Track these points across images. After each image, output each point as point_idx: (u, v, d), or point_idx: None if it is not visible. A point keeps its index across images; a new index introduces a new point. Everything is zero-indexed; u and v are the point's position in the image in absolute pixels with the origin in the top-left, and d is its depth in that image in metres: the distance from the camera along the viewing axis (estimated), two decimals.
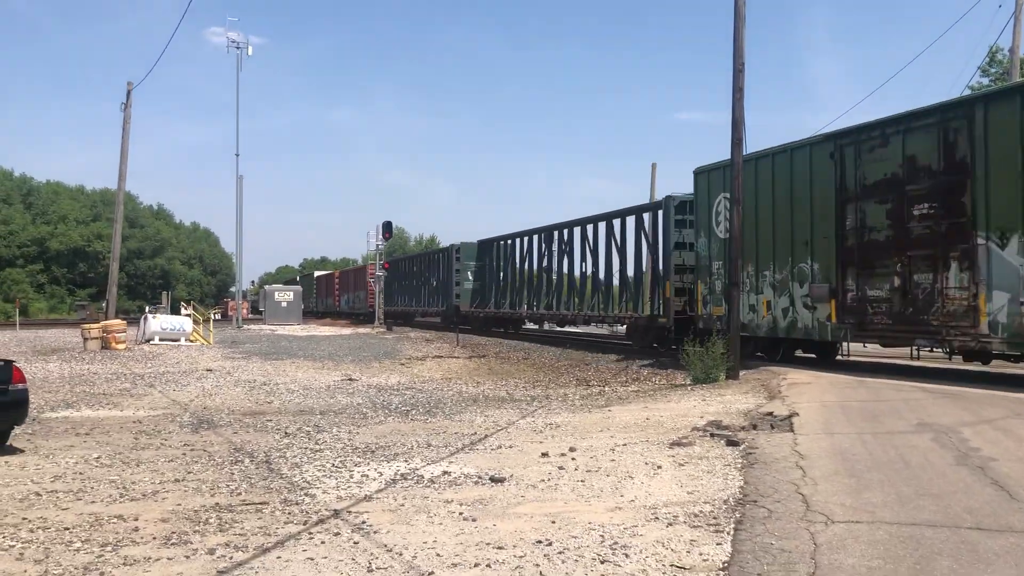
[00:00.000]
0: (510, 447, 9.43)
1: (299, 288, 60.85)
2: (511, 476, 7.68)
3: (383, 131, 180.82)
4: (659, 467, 7.83)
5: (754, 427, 9.93)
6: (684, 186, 22.46)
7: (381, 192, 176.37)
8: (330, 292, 66.47)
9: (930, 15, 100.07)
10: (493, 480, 7.56)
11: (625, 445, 9.15)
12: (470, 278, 37.88)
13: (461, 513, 6.35)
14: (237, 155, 48.60)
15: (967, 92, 39.12)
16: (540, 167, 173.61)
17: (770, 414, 10.71)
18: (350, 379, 19.20)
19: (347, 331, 45.22)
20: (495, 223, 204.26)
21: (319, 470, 8.41)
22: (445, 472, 8.00)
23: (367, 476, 7.97)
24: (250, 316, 61.51)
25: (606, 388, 16.74)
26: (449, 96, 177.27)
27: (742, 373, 15.32)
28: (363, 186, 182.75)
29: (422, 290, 45.13)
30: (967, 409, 10.14)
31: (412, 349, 30.72)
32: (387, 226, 44.19)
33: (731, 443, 8.89)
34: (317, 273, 78.68)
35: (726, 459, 8.07)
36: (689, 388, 14.55)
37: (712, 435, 9.49)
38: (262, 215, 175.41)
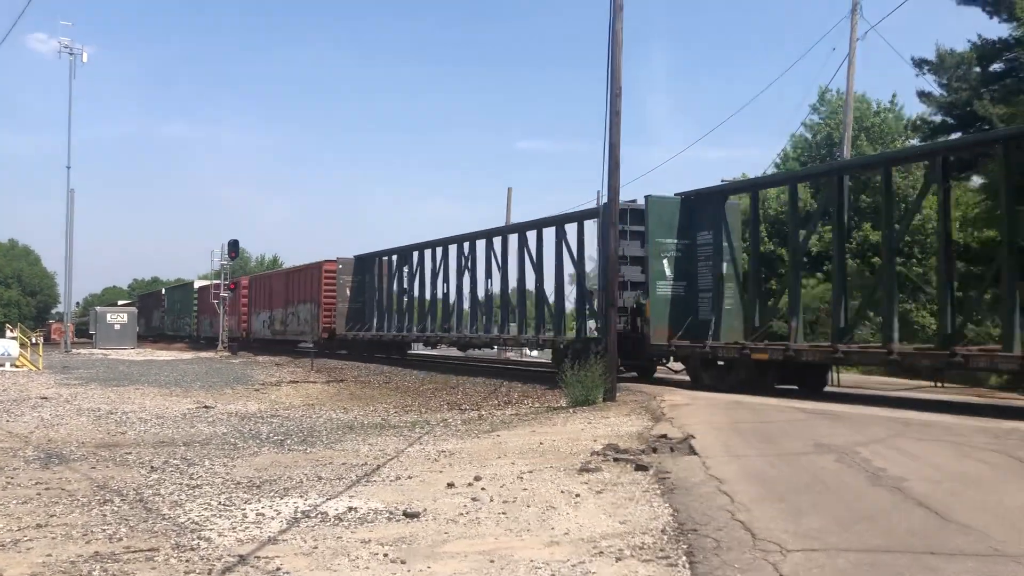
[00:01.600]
0: (410, 478, 8.90)
1: (134, 310, 57.30)
2: (424, 510, 7.17)
3: (221, 147, 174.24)
4: (577, 495, 7.52)
5: (654, 450, 9.82)
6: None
7: (218, 210, 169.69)
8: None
9: (767, 56, 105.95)
10: (407, 515, 7.03)
11: (531, 472, 8.81)
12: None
13: (386, 555, 5.81)
14: (68, 167, 45.39)
15: (801, 129, 41.61)
16: (385, 187, 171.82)
17: (664, 436, 10.65)
18: (205, 407, 17.97)
19: (188, 355, 42.89)
20: (338, 243, 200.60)
21: (205, 508, 7.61)
22: (350, 508, 7.39)
23: (263, 515, 7.25)
24: (76, 340, 57.26)
25: (481, 412, 16.37)
26: (290, 113, 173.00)
27: (617, 395, 15.33)
28: (198, 204, 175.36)
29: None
30: (852, 429, 10.41)
31: (264, 374, 29.36)
32: (233, 244, 42.23)
33: (640, 468, 8.71)
34: (164, 290, 74.35)
35: (641, 485, 7.87)
36: (571, 411, 14.40)
37: (615, 459, 9.29)
38: (84, 232, 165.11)
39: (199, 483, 8.97)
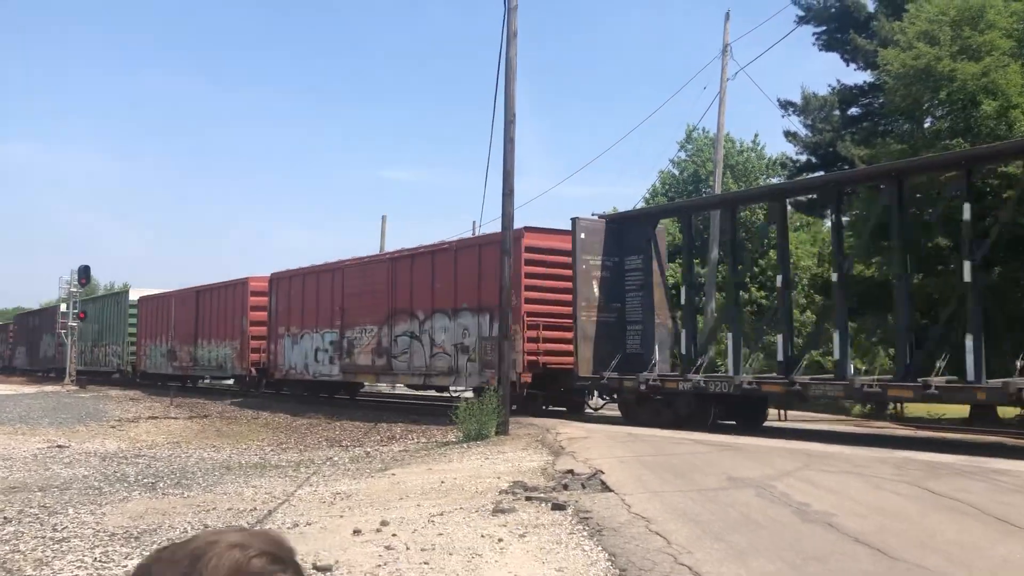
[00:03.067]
0: (308, 524, 8.17)
1: None
2: (337, 562, 6.51)
3: (69, 172, 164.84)
4: (500, 540, 7.01)
5: (565, 487, 9.43)
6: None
7: (64, 236, 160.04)
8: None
9: (637, 96, 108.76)
10: (318, 569, 6.35)
11: (441, 515, 8.23)
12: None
13: None
14: None
15: (669, 166, 42.78)
16: (247, 216, 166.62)
17: (571, 472, 10.29)
18: (59, 446, 16.40)
19: (30, 389, 39.69)
20: (196, 273, 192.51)
21: (78, 567, 6.70)
22: None
23: None
24: None
25: (367, 449, 15.59)
26: (146, 140, 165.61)
27: (510, 428, 14.91)
28: (40, 229, 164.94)
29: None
30: (758, 462, 10.34)
31: (119, 409, 27.37)
32: (84, 271, 39.50)
33: (557, 507, 8.28)
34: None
35: (564, 526, 7.44)
36: (464, 446, 13.86)
37: (528, 498, 8.84)
38: None
39: (66, 536, 7.96)
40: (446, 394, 22.53)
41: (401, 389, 28.36)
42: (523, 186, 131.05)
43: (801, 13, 29.07)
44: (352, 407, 23.70)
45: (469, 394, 19.35)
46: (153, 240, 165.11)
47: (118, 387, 38.11)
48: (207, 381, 35.01)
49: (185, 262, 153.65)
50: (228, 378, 32.16)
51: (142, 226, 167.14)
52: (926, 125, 23.95)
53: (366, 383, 26.63)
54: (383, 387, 29.50)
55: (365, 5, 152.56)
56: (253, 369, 28.21)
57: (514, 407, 16.15)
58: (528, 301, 17.67)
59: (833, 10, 28.26)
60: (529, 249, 17.82)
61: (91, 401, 30.92)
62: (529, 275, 17.76)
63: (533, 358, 17.58)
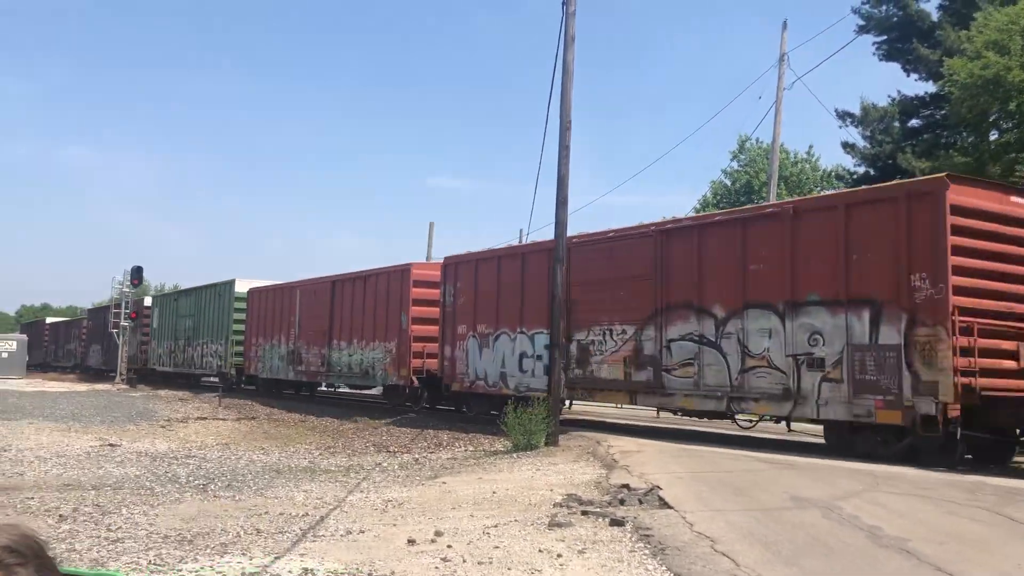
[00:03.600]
0: (362, 532, 8.02)
1: (23, 337, 53.90)
2: (393, 573, 6.35)
3: (119, 173, 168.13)
4: (559, 556, 6.80)
5: (621, 502, 9.18)
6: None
7: (114, 237, 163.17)
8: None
9: (687, 106, 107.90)
10: None
11: (496, 527, 8.04)
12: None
13: None
14: None
15: (721, 176, 42.25)
16: (290, 218, 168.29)
17: (627, 487, 10.03)
18: (111, 445, 16.53)
19: (82, 387, 40.34)
20: (244, 273, 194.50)
21: (133, 568, 6.61)
22: (305, 570, 6.50)
23: None
24: None
25: (416, 456, 15.47)
26: (191, 140, 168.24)
27: (560, 439, 14.68)
28: (95, 231, 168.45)
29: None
30: (819, 480, 10.00)
31: (168, 409, 27.65)
32: (137, 271, 40.06)
33: (615, 523, 8.05)
34: (50, 320, 70.30)
35: (624, 543, 7.21)
36: (514, 456, 13.66)
37: (584, 513, 8.62)
38: None
39: (120, 536, 7.90)
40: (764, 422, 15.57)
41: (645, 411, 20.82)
42: (572, 196, 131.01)
43: (862, 22, 28.55)
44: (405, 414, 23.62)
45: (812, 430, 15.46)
46: (200, 242, 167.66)
47: (170, 387, 38.45)
48: (338, 388, 31.40)
49: (230, 264, 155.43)
50: (373, 387, 28.07)
51: (189, 228, 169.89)
52: (992, 137, 23.30)
53: (614, 404, 20.63)
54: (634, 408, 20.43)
55: (410, 11, 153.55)
56: (414, 378, 23.39)
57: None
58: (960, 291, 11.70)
59: (895, 19, 27.69)
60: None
61: (141, 400, 31.30)
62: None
63: (968, 380, 11.48)
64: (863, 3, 28.54)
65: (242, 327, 32.74)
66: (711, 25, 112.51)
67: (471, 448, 16.21)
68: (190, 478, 12.21)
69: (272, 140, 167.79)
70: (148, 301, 43.43)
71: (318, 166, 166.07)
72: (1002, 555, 6.43)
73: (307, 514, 9.12)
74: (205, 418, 24.63)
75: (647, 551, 6.85)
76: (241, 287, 33.42)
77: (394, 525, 8.33)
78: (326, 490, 11.01)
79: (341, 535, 7.91)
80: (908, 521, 7.66)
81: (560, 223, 14.75)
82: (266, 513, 9.20)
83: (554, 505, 9.17)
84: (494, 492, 10.19)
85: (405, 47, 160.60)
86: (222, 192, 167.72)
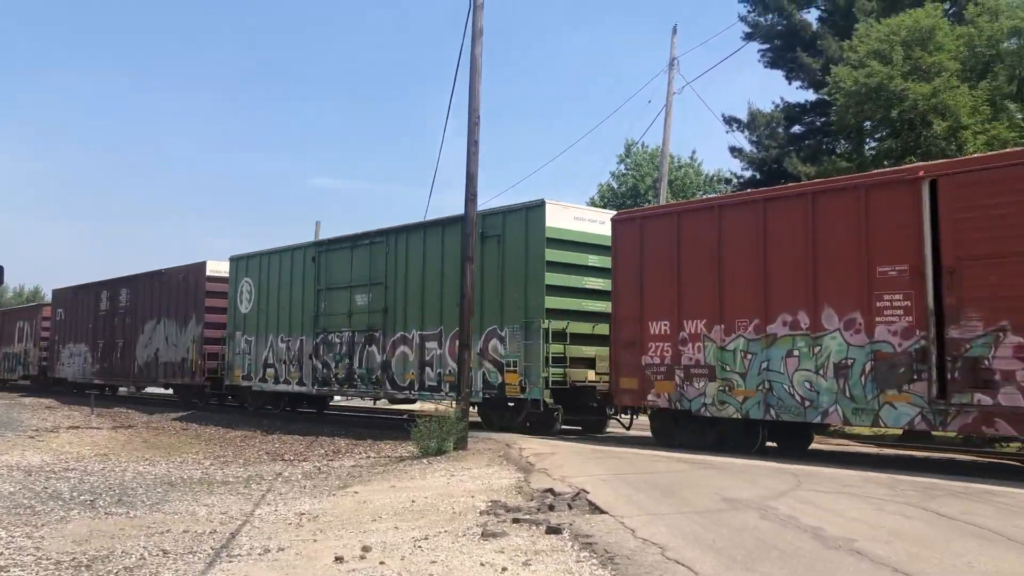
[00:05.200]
0: (281, 550, 7.41)
1: None
2: None
3: None
4: (503, 570, 6.40)
5: (551, 508, 8.85)
6: None
7: None
8: None
9: (580, 108, 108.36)
10: None
11: (426, 539, 7.58)
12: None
13: None
14: None
15: (609, 179, 42.73)
16: (171, 219, 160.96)
17: (550, 491, 9.70)
18: None
19: None
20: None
21: None
22: None
23: None
24: None
25: (317, 464, 14.75)
26: (69, 138, 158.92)
27: (469, 443, 14.26)
28: None
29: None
30: (744, 479, 9.94)
31: (35, 418, 25.78)
32: None
33: (552, 530, 7.69)
34: None
35: (568, 552, 6.86)
36: (424, 462, 13.15)
37: (516, 520, 8.24)
38: None
39: (2, 564, 7.04)
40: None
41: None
42: (455, 198, 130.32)
43: (748, 30, 29.27)
44: (285, 419, 22.69)
45: None
46: (71, 243, 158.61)
47: (34, 394, 35.95)
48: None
49: (107, 263, 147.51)
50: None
51: (58, 229, 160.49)
52: (873, 144, 24.25)
53: None
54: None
55: (286, 8, 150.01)
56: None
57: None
58: None
59: (779, 28, 28.48)
60: None
61: (2, 409, 29.11)
62: None
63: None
64: (749, 12, 29.28)
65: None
66: (600, 31, 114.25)
67: (374, 454, 15.62)
68: (74, 494, 11.20)
69: (150, 138, 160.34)
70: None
71: (199, 166, 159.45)
72: (952, 553, 6.40)
73: (215, 531, 8.42)
74: (78, 427, 23.06)
75: (595, 561, 6.53)
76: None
77: (314, 540, 7.75)
78: (229, 503, 10.27)
79: (259, 554, 7.28)
80: (846, 520, 7.61)
81: (469, 220, 14.34)
82: (168, 531, 8.45)
83: (480, 513, 8.76)
84: (413, 501, 9.70)
85: (284, 45, 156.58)
86: (95, 192, 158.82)
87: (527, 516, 8.44)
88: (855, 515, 7.84)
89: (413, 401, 20.72)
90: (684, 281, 13.57)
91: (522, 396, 15.67)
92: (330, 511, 9.39)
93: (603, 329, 15.72)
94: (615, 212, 16.42)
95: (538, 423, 15.91)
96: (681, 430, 13.76)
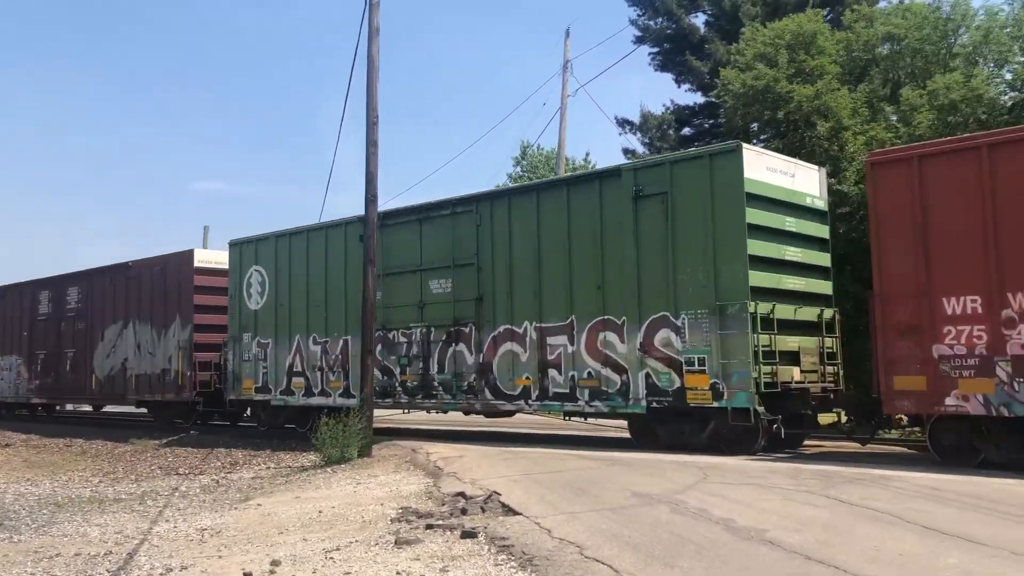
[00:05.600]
0: (184, 568, 7.07)
1: None
2: None
3: None
4: None
5: (463, 512, 8.73)
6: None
7: None
8: None
9: (478, 110, 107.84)
10: None
11: (337, 550, 7.36)
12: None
13: None
14: None
15: (506, 181, 42.79)
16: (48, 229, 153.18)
17: (462, 495, 9.61)
18: None
19: None
20: None
21: None
22: None
23: None
24: None
25: (215, 477, 14.22)
26: None
27: (373, 450, 14.01)
28: None
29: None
30: (652, 475, 10.05)
31: None
32: None
33: (467, 534, 7.58)
34: None
35: (485, 556, 6.77)
36: (328, 471, 12.83)
37: (429, 526, 8.09)
38: None
39: None
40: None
41: None
42: (350, 201, 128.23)
43: (639, 34, 29.85)
44: (182, 431, 21.85)
45: None
46: None
47: None
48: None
49: None
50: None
51: None
52: (760, 145, 25.01)
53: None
54: None
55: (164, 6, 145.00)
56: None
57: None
58: None
59: (669, 32, 29.13)
60: None
61: None
62: None
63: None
64: (639, 15, 29.87)
65: None
66: (497, 34, 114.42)
67: (273, 465, 15.18)
68: None
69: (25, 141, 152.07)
70: None
71: (82, 170, 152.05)
72: (858, 538, 6.59)
73: (110, 552, 7.99)
74: None
75: (514, 563, 6.45)
76: None
77: (220, 557, 7.43)
78: (124, 521, 9.78)
79: (161, 573, 6.93)
80: (755, 511, 7.76)
81: (370, 222, 14.10)
82: (58, 555, 7.97)
83: (392, 520, 8.58)
84: (320, 511, 9.43)
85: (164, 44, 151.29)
86: None
87: (440, 521, 8.31)
88: (763, 506, 8.00)
89: (512, 413, 16.94)
90: (1005, 240, 10.20)
91: (716, 404, 12.20)
92: (233, 525, 9.04)
93: (807, 314, 13.08)
94: (826, 163, 14.17)
95: (735, 440, 12.31)
96: (1006, 446, 10.39)
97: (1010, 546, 6.21)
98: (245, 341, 19.63)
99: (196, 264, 21.42)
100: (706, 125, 29.72)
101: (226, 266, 20.60)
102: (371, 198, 14.14)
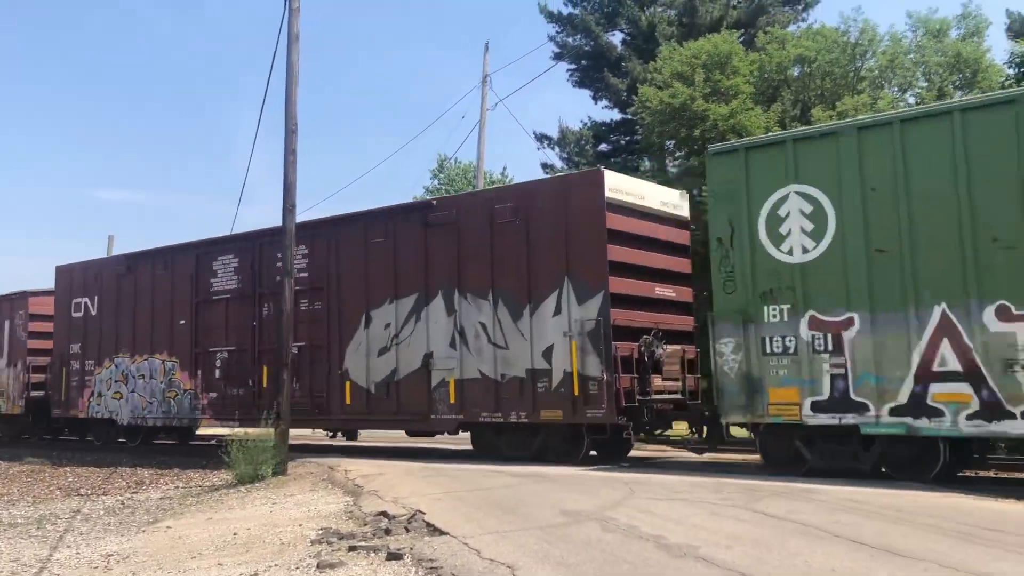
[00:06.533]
0: None
1: None
2: None
3: None
4: None
5: (387, 532, 8.44)
6: None
7: None
8: None
9: (394, 125, 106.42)
10: None
11: (255, 575, 7.00)
12: None
13: None
14: None
15: (423, 193, 42.48)
16: None
17: (384, 514, 9.30)
18: None
19: None
20: None
21: None
22: None
23: None
24: None
25: (120, 498, 13.53)
26: None
27: (289, 468, 13.57)
28: None
29: None
30: (579, 491, 9.94)
31: None
32: None
33: (392, 556, 7.31)
34: None
35: None
36: (242, 491, 12.35)
37: (352, 548, 7.79)
38: None
39: None
40: None
41: None
42: (257, 213, 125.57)
43: (557, 50, 30.05)
44: (82, 450, 20.85)
45: None
46: None
47: None
48: None
49: None
50: None
51: None
52: (676, 162, 25.39)
53: None
54: None
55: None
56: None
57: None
58: None
59: (587, 49, 29.40)
60: None
61: None
62: None
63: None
64: (558, 32, 30.10)
65: None
66: (417, 45, 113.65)
67: (182, 484, 14.55)
68: None
69: None
70: None
71: None
72: (788, 552, 6.58)
73: None
74: None
75: None
76: None
77: None
78: (20, 548, 9.15)
79: None
80: (685, 527, 7.71)
81: (288, 232, 13.68)
82: None
83: (312, 542, 8.25)
84: (235, 534, 9.01)
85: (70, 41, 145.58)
86: None
87: (363, 543, 8.02)
88: (693, 522, 7.96)
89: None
90: None
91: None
92: (142, 550, 8.56)
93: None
94: None
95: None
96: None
97: (937, 559, 6.28)
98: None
99: None
100: (623, 141, 30.09)
101: None
102: (289, 207, 13.73)
